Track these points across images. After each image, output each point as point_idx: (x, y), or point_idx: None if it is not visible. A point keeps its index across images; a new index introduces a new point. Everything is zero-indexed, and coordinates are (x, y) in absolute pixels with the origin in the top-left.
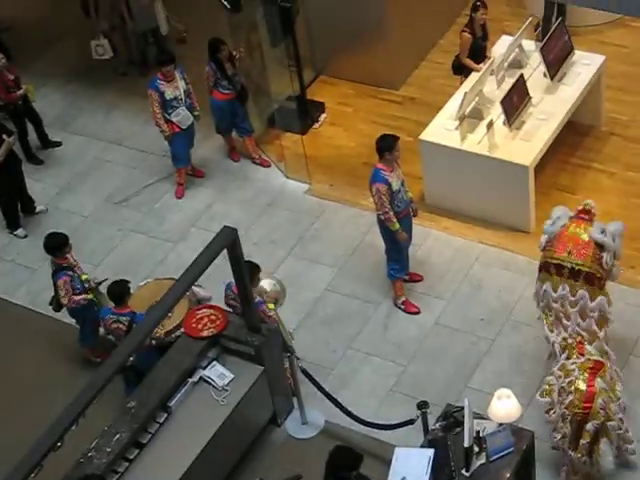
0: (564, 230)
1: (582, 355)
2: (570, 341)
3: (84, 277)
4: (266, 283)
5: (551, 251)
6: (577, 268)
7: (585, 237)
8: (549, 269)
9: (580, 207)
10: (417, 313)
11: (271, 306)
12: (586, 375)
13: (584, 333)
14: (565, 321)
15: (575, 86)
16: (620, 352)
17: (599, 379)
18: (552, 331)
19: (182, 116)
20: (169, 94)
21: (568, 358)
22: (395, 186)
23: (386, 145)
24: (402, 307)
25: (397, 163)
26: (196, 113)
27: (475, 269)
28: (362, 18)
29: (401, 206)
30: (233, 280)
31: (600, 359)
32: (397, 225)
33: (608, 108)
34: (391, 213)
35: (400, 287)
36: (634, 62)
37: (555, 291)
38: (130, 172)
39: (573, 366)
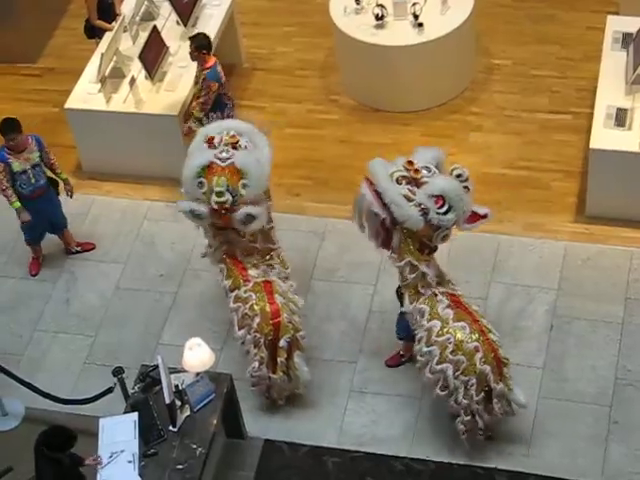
0: None
1: (248, 281)
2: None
3: None
4: None
5: None
6: None
7: None
8: None
9: None
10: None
11: None
12: (264, 295)
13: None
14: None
15: (209, 28)
16: (301, 279)
17: (277, 295)
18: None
19: None
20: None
21: (235, 289)
22: (17, 167)
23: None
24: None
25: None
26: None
27: (145, 227)
28: None
29: (26, 188)
30: None
31: (267, 279)
32: (17, 204)
33: (247, 44)
34: (9, 192)
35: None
36: None
37: None
38: None
39: (247, 293)
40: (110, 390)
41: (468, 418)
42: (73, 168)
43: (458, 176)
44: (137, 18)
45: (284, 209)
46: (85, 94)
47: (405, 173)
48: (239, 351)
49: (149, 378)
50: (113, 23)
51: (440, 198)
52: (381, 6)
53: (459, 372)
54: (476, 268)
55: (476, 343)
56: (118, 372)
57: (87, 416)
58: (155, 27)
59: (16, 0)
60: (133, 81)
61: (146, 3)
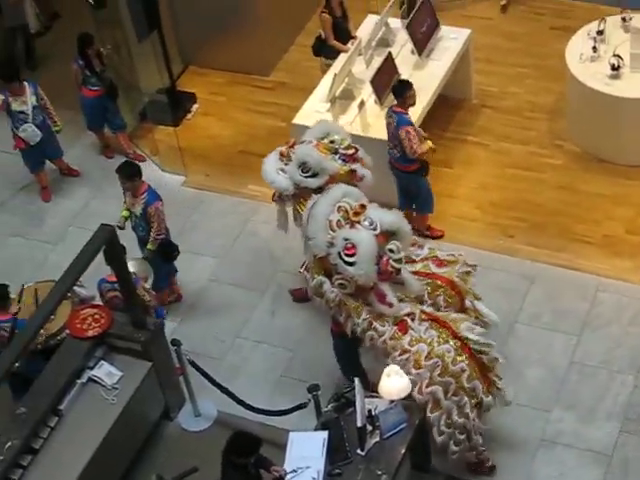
0: None
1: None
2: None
3: None
4: (130, 265)
5: None
6: None
7: None
8: None
9: None
10: None
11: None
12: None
13: None
14: None
15: (443, 61)
16: (506, 320)
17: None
18: None
19: (28, 132)
20: (15, 107)
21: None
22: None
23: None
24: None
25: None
26: (56, 128)
27: None
28: (230, 6)
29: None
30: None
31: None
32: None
33: (477, 80)
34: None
35: None
36: (499, 34)
37: None
38: (2, 176)
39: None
40: (304, 405)
41: (462, 437)
42: None
43: (390, 250)
44: (373, 43)
45: (496, 249)
46: (313, 112)
47: (349, 209)
48: None
49: (343, 399)
50: (348, 44)
51: (353, 247)
52: (618, 56)
53: (449, 393)
54: None
55: (462, 364)
56: (314, 389)
57: (277, 428)
58: (390, 53)
59: (259, 13)
60: (362, 104)
61: (383, 29)
